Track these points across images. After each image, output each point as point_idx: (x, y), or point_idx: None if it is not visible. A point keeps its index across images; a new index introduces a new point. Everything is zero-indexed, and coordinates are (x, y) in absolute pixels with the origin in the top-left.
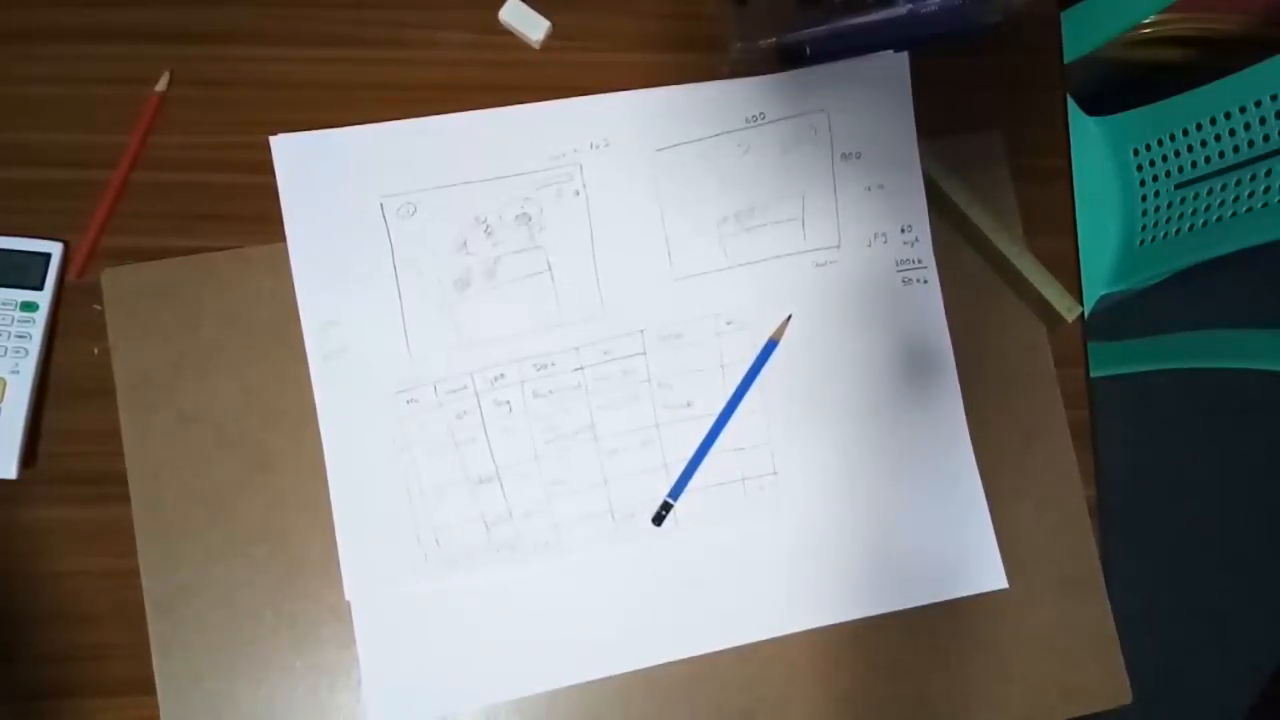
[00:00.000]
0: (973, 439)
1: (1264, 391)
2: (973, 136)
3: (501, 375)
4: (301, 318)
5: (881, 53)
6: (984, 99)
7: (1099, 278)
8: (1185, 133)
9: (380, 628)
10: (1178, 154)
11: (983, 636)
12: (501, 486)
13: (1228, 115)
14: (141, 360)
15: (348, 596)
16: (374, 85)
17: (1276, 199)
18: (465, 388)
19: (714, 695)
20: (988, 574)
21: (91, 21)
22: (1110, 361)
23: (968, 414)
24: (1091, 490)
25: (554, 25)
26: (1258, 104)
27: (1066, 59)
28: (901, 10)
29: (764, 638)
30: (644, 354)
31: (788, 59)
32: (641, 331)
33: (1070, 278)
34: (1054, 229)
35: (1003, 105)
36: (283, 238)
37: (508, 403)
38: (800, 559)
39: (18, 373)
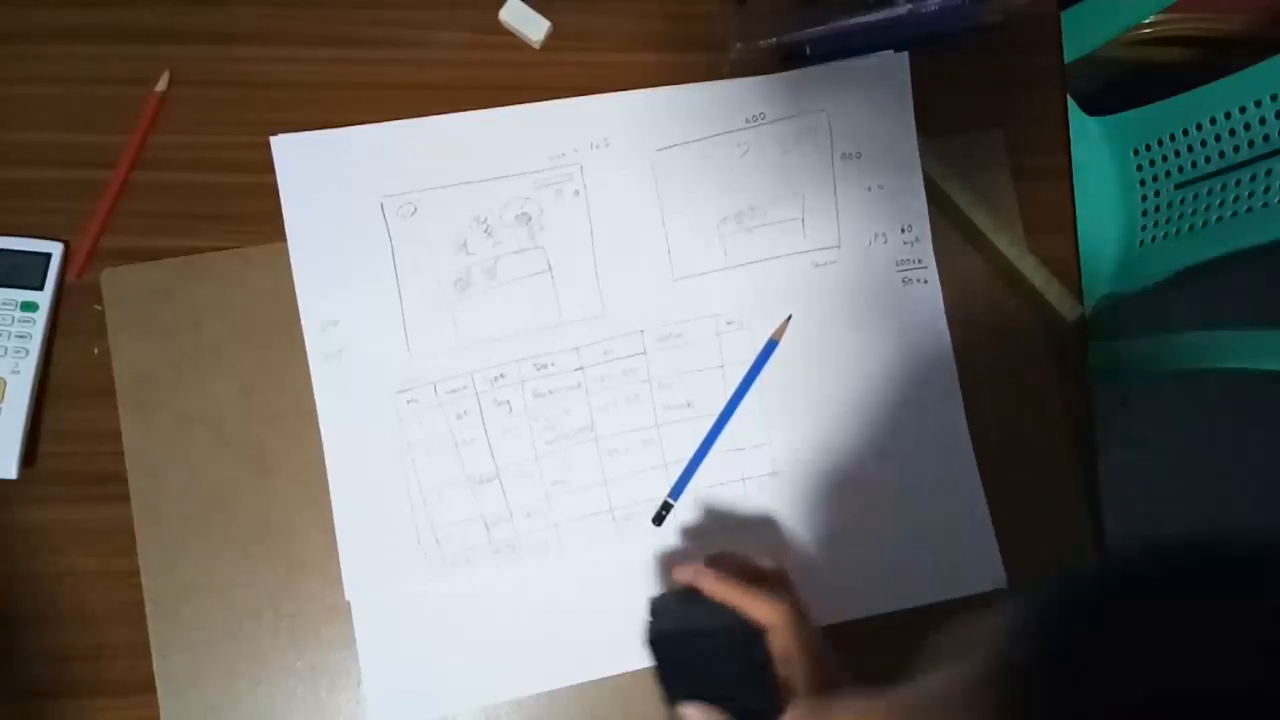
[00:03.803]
0: (973, 439)
1: (1264, 391)
2: (973, 136)
3: (501, 375)
4: (301, 318)
5: (881, 52)
6: (984, 99)
7: (1099, 278)
8: (1185, 133)
9: (380, 628)
10: (1178, 154)
11: None
12: (502, 486)
13: (1228, 115)
14: (141, 360)
15: (348, 596)
16: (374, 85)
17: (1276, 199)
18: (465, 388)
19: None
20: (988, 574)
21: (91, 21)
22: (1110, 361)
23: (968, 414)
24: (1092, 490)
25: (554, 25)
26: (1258, 104)
27: (1066, 59)
28: (901, 10)
29: None
30: (644, 354)
31: (788, 59)
32: (641, 331)
33: (1070, 278)
34: (1054, 229)
35: (1003, 105)
36: (283, 238)
37: (508, 403)
38: (800, 559)
39: (18, 373)
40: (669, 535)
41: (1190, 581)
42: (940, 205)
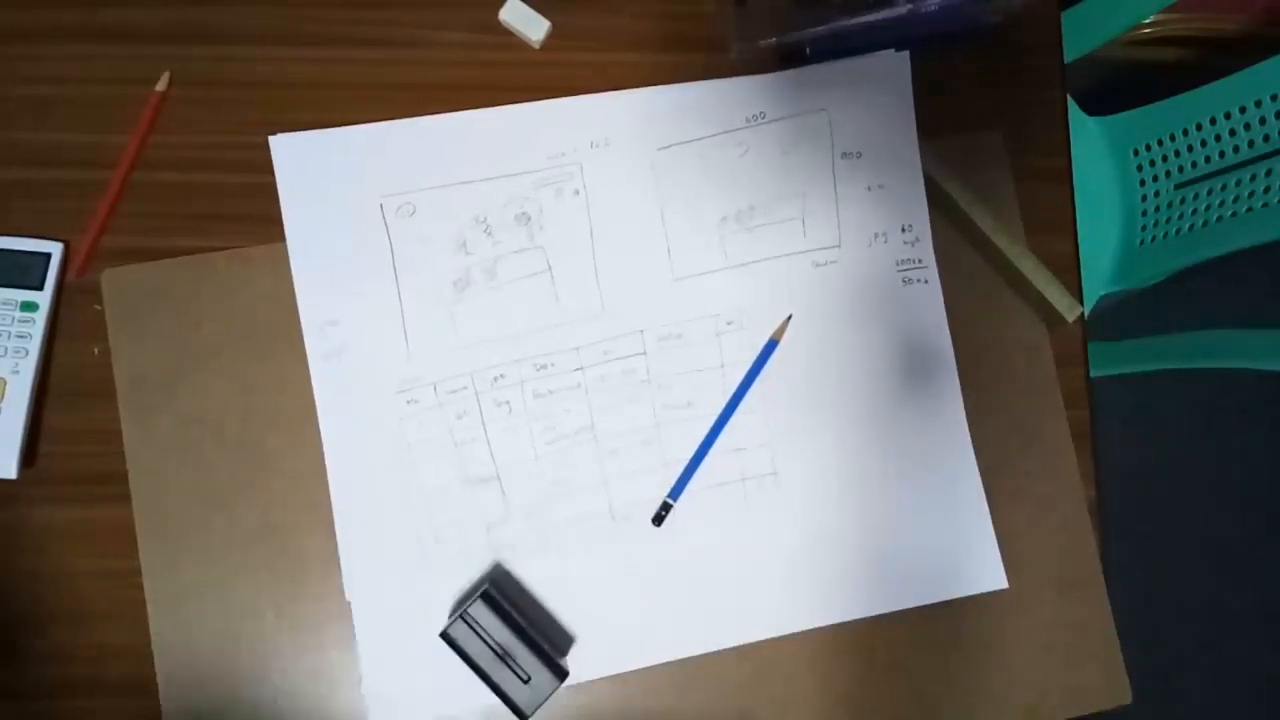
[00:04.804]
0: (973, 439)
1: (1264, 391)
2: (973, 136)
3: (501, 375)
4: (301, 318)
5: (882, 52)
6: (984, 99)
7: (1099, 278)
8: (1185, 133)
9: (380, 628)
10: (1178, 154)
11: (983, 636)
12: (501, 487)
13: (1228, 115)
14: (141, 360)
15: (348, 596)
16: (374, 85)
17: (1276, 199)
18: (465, 388)
19: (713, 695)
20: (988, 574)
21: (91, 21)
22: (1110, 361)
23: (968, 414)
24: (1091, 490)
25: (554, 25)
26: (1258, 104)
27: (1066, 59)
28: (901, 10)
29: (764, 638)
30: (644, 354)
31: (788, 59)
32: (641, 331)
33: (1070, 278)
34: (1054, 229)
35: (1003, 105)
36: (283, 238)
37: (508, 403)
38: (800, 559)
39: (18, 373)
40: (669, 535)
41: None
42: (940, 205)
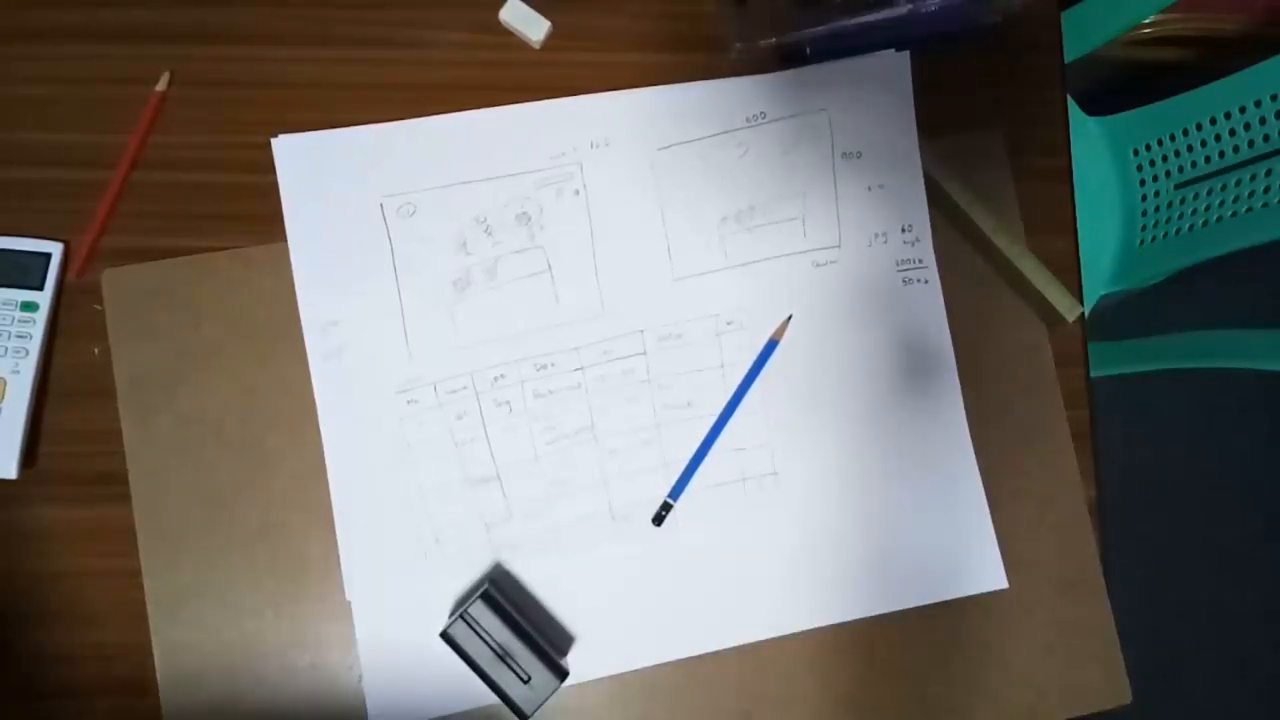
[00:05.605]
0: (973, 439)
1: (1264, 391)
2: (973, 136)
3: (501, 375)
4: (301, 318)
5: (882, 52)
6: (984, 99)
7: (1099, 278)
8: (1185, 133)
9: (380, 628)
10: (1178, 154)
11: (983, 636)
12: (501, 487)
13: (1228, 115)
14: (141, 360)
15: (348, 596)
16: (374, 85)
17: (1276, 199)
18: (465, 388)
19: (713, 695)
20: (988, 574)
21: (91, 21)
22: (1110, 361)
23: (968, 414)
24: (1091, 490)
25: (554, 25)
26: (1258, 104)
27: (1066, 59)
28: (902, 10)
29: (764, 638)
30: (644, 354)
31: (788, 59)
32: (641, 331)
33: (1070, 278)
34: (1054, 229)
35: (1003, 105)
36: (283, 238)
37: (508, 403)
38: (800, 559)
39: (18, 373)
40: (669, 535)
41: None
42: (940, 205)
